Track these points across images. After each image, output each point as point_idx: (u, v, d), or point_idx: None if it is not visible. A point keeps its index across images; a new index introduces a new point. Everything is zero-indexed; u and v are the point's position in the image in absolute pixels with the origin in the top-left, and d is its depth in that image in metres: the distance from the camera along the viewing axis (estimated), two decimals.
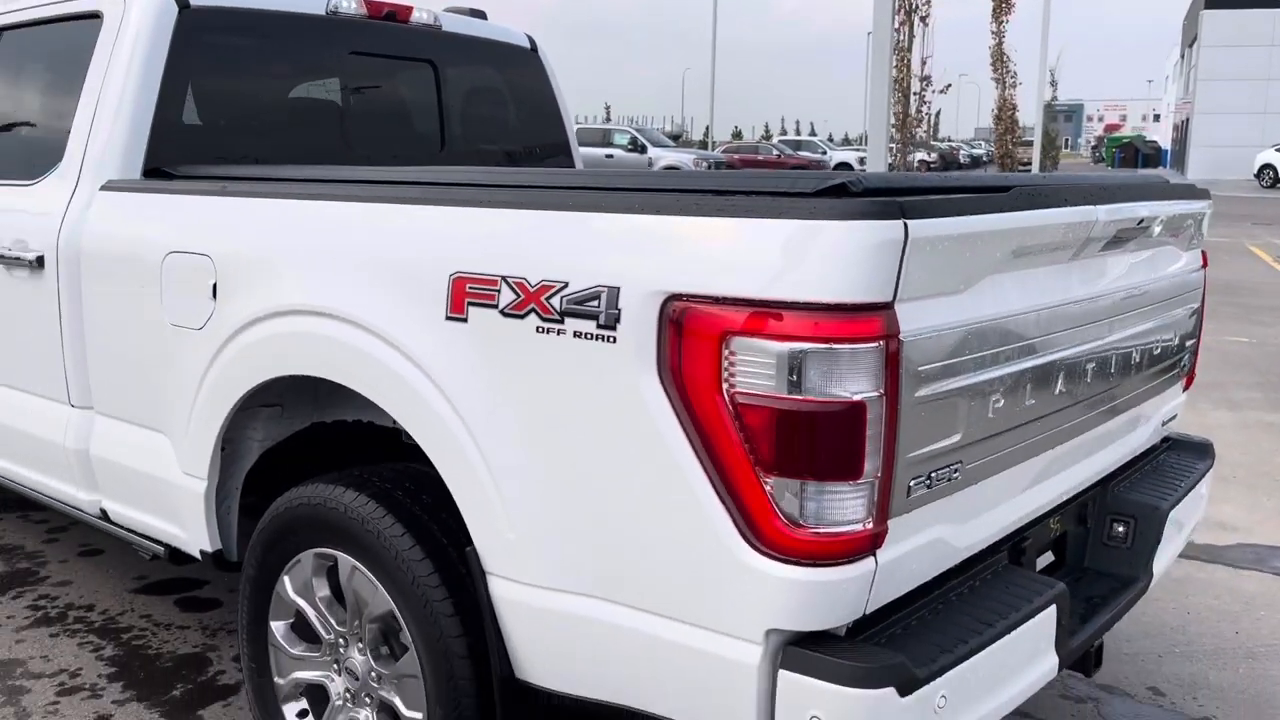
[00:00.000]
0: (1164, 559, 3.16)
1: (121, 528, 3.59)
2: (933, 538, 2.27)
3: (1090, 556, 3.17)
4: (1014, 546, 2.73)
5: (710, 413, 2.04)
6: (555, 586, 2.34)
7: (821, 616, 2.07)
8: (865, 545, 2.06)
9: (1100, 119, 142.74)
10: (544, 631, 2.38)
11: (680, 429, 2.08)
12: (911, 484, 2.12)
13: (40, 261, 3.56)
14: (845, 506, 2.02)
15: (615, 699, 2.34)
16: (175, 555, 3.44)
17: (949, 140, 74.82)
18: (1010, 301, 2.34)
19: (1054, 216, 2.41)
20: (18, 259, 3.63)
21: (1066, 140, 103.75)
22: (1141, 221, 2.79)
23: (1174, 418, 3.60)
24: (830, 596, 2.06)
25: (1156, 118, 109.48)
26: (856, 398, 1.97)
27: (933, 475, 2.17)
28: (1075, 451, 2.84)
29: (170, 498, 3.27)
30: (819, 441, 1.98)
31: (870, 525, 2.05)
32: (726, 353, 2.02)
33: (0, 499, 5.59)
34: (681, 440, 2.08)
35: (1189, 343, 3.47)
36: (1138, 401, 3.14)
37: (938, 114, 60.14)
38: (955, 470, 2.25)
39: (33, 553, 4.96)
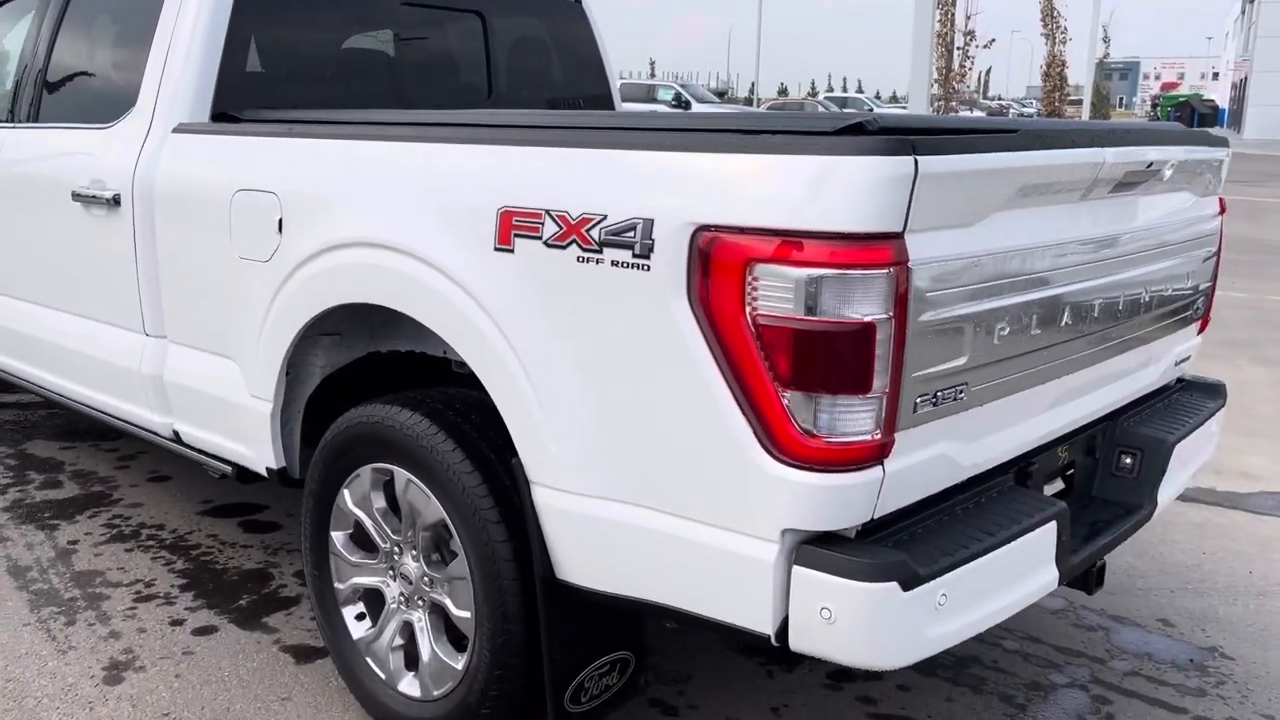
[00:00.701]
0: (1169, 490, 3.33)
1: (192, 449, 3.87)
2: (939, 453, 2.46)
3: (1099, 486, 3.34)
4: (1021, 470, 2.92)
5: (734, 334, 2.25)
6: (592, 493, 2.57)
7: (832, 518, 2.28)
8: (873, 455, 2.26)
9: (1157, 77, 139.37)
10: (581, 534, 2.61)
11: (707, 349, 2.29)
12: (918, 400, 2.31)
13: (116, 200, 3.82)
14: (855, 419, 2.22)
15: (645, 595, 2.57)
16: (242, 474, 3.71)
17: (999, 98, 73.62)
18: (1017, 237, 2.51)
19: (1060, 157, 2.57)
20: (95, 197, 3.90)
21: (1121, 99, 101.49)
22: (1151, 165, 2.93)
23: (1187, 359, 3.74)
24: (840, 500, 2.27)
25: (1215, 76, 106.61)
26: (867, 319, 2.17)
27: (939, 394, 2.36)
28: (1083, 385, 3.00)
29: (238, 419, 3.54)
30: (832, 359, 2.18)
31: (878, 436, 2.25)
32: (750, 279, 2.21)
33: (74, 428, 5.95)
34: (708, 359, 2.29)
35: (1203, 286, 3.60)
36: (1148, 341, 3.29)
37: (988, 71, 59.19)
38: (961, 391, 2.43)
39: (105, 478, 5.30)
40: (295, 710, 3.38)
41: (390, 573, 3.18)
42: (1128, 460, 3.30)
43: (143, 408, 3.99)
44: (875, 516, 2.35)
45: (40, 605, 3.97)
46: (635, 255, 2.37)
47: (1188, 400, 3.69)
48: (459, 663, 2.95)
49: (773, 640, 2.34)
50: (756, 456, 2.26)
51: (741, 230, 2.23)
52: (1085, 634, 4.07)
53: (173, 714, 3.34)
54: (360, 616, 3.29)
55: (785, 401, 2.22)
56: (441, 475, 2.83)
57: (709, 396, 2.30)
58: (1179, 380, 3.83)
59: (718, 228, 2.26)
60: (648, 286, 2.36)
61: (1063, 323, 2.73)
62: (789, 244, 2.17)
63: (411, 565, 3.10)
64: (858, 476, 2.26)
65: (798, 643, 2.32)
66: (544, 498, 2.66)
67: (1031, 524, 2.57)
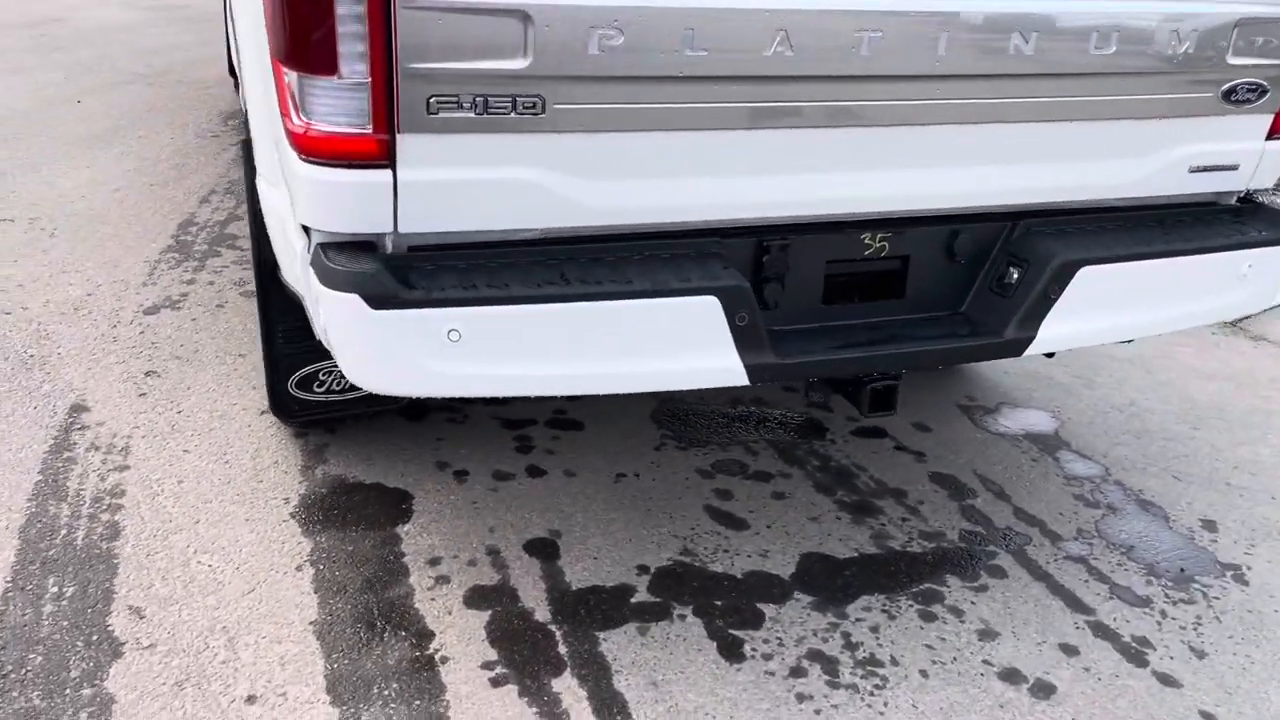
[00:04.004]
0: (1069, 327, 2.53)
1: None
2: (519, 179, 2.11)
3: (972, 302, 2.62)
4: (761, 245, 2.39)
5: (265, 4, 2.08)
6: (269, 179, 2.54)
7: (337, 219, 2.10)
8: (371, 153, 2.01)
9: None
10: (270, 220, 2.62)
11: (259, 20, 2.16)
12: (434, 101, 1.99)
13: None
14: (334, 104, 1.98)
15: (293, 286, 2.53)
16: None
17: None
18: None
19: None
20: None
21: None
22: None
23: (1232, 168, 2.70)
24: (338, 199, 2.07)
25: None
26: None
27: (479, 99, 2.01)
28: (894, 152, 2.35)
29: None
30: (295, 31, 1.95)
31: (369, 131, 1.99)
32: None
33: None
34: (260, 32, 2.16)
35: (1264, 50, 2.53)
36: (1090, 113, 2.43)
37: None
38: (534, 105, 2.04)
39: None
40: None
41: None
42: (1015, 274, 2.54)
43: None
44: (408, 230, 2.11)
45: None
46: None
47: (1202, 223, 2.70)
48: None
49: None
50: (285, 143, 2.12)
51: None
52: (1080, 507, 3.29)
53: None
54: None
55: (287, 81, 2.03)
56: None
57: (269, 81, 2.17)
58: (1241, 199, 2.80)
59: None
60: None
61: (774, 49, 2.13)
62: None
63: None
64: (355, 175, 2.04)
65: (328, 345, 2.20)
66: (260, 186, 2.70)
67: (634, 290, 2.15)
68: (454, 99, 2.00)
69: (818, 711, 2.47)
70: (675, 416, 3.73)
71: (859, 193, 2.40)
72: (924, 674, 2.60)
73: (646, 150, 2.18)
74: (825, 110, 2.24)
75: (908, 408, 3.90)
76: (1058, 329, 2.51)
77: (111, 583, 2.73)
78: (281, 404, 3.21)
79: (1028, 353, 2.54)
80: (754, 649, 2.65)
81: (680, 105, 2.14)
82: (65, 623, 2.58)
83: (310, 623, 2.65)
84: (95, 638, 2.55)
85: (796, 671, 2.59)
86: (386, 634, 2.63)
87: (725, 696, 2.49)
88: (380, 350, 2.08)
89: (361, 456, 3.39)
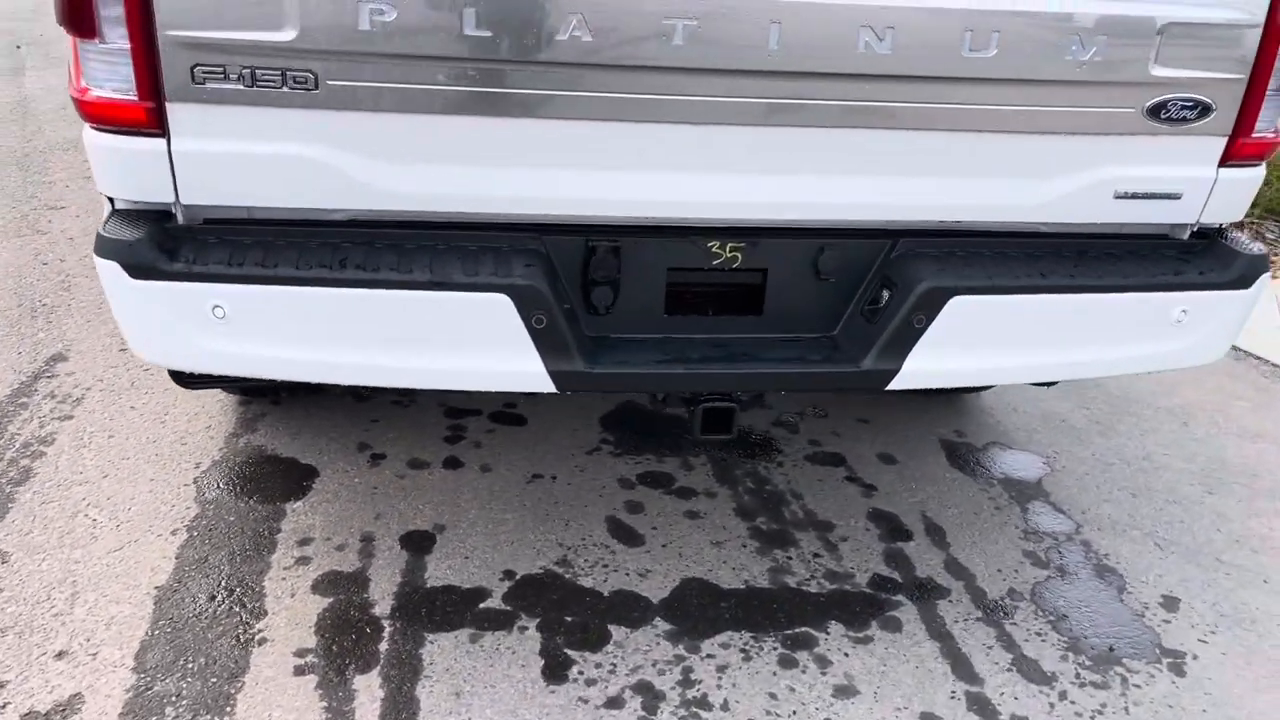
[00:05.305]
0: (941, 361, 2.26)
1: None
2: (290, 153, 2.03)
3: (844, 326, 2.38)
4: (585, 247, 2.23)
5: None
6: None
7: (119, 186, 2.09)
8: (141, 120, 1.98)
9: None
10: None
11: None
12: (199, 70, 1.94)
13: None
14: (103, 70, 1.96)
15: None
16: None
17: None
18: None
19: None
20: None
21: None
22: None
23: (1174, 197, 2.35)
24: (115, 165, 2.05)
25: None
26: None
27: (245, 71, 1.94)
28: (729, 154, 2.15)
29: None
30: None
31: (137, 98, 1.96)
32: None
33: None
34: None
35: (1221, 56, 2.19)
36: (972, 124, 2.17)
37: None
38: (303, 78, 1.96)
39: None
40: None
41: None
42: (885, 297, 2.29)
43: None
44: (191, 201, 2.08)
45: None
46: None
47: (1133, 259, 2.37)
48: None
49: None
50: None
51: None
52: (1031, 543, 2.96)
53: None
54: None
55: (75, 44, 2.03)
56: None
57: None
58: (1196, 234, 2.45)
59: None
60: None
61: (570, 32, 1.97)
62: None
63: None
64: (128, 142, 2.02)
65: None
66: None
67: (410, 280, 2.04)
68: (220, 69, 1.95)
69: None
70: (624, 422, 3.58)
71: (703, 197, 2.20)
72: None
73: (445, 135, 2.06)
74: (639, 104, 2.06)
75: (880, 436, 3.62)
76: (928, 363, 2.24)
77: None
78: (177, 371, 3.21)
79: (895, 386, 2.27)
80: (581, 672, 2.50)
81: (471, 89, 2.01)
82: None
83: (156, 587, 2.68)
84: None
85: (613, 703, 2.42)
86: (222, 608, 2.62)
87: (524, 718, 2.36)
88: (144, 321, 2.06)
89: (291, 430, 3.41)
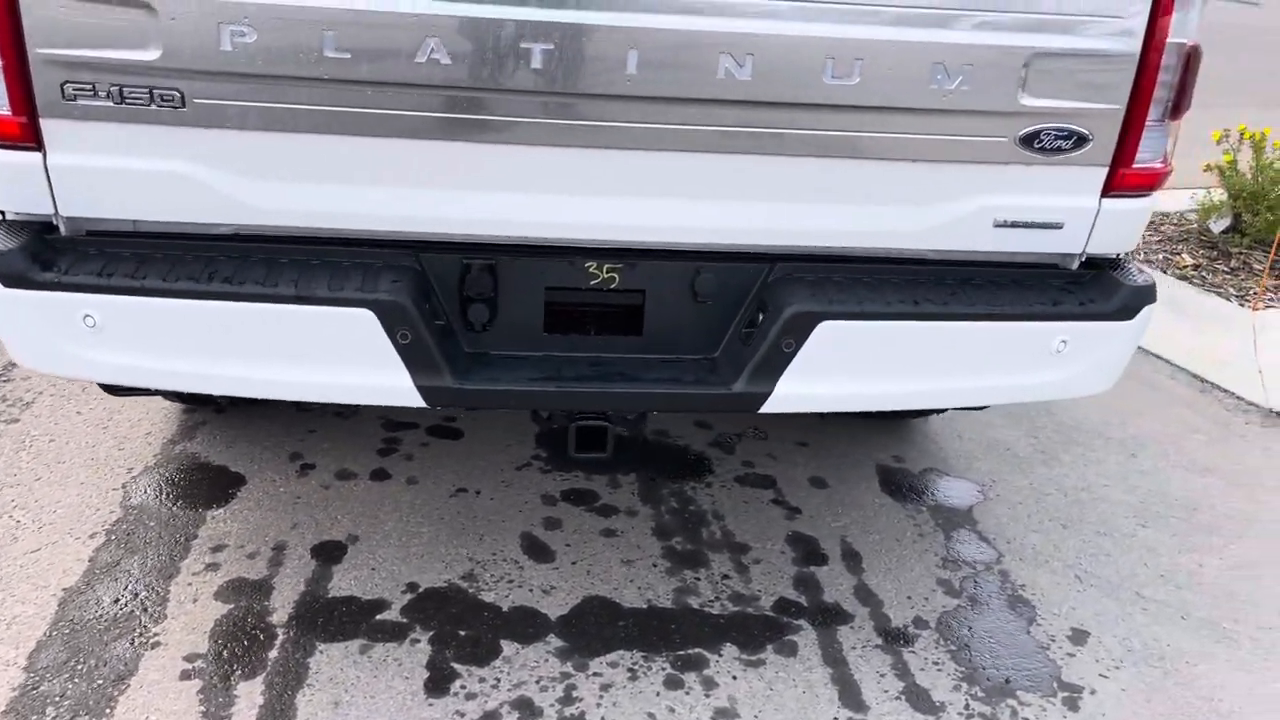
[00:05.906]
0: (812, 386, 2.26)
1: None
2: (162, 169, 2.08)
3: (724, 348, 2.39)
4: (461, 265, 2.27)
5: None
6: None
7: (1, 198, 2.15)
8: (15, 133, 2.05)
9: None
10: None
11: None
12: (69, 87, 2.00)
13: None
14: None
15: None
16: None
17: None
18: None
19: None
20: None
21: None
22: None
23: (1055, 226, 2.34)
24: None
25: None
26: None
27: (114, 89, 2.00)
28: (601, 176, 2.18)
29: None
30: None
31: (10, 113, 2.03)
32: None
33: None
34: None
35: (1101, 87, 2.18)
36: (842, 150, 2.18)
37: None
38: (171, 99, 2.02)
39: None
40: None
41: None
42: (761, 320, 2.31)
43: None
44: (70, 213, 2.14)
45: None
46: None
47: (1014, 288, 2.36)
48: None
49: None
50: None
51: None
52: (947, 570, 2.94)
53: None
54: None
55: None
56: None
57: None
58: (1085, 264, 2.44)
59: None
60: None
61: (427, 55, 2.02)
62: None
63: None
64: (4, 155, 2.08)
65: None
66: None
67: (283, 296, 2.09)
68: (89, 87, 2.01)
69: None
70: (560, 438, 3.60)
71: (577, 219, 2.23)
72: None
73: (312, 153, 2.11)
74: (505, 127, 2.10)
75: (815, 459, 3.61)
76: (800, 387, 2.25)
77: None
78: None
79: (768, 410, 2.28)
80: (463, 686, 2.52)
81: (334, 109, 2.06)
82: None
83: (64, 589, 2.74)
84: None
85: (489, 717, 2.43)
86: (123, 612, 2.67)
87: None
88: (19, 328, 2.12)
89: (227, 439, 3.47)
